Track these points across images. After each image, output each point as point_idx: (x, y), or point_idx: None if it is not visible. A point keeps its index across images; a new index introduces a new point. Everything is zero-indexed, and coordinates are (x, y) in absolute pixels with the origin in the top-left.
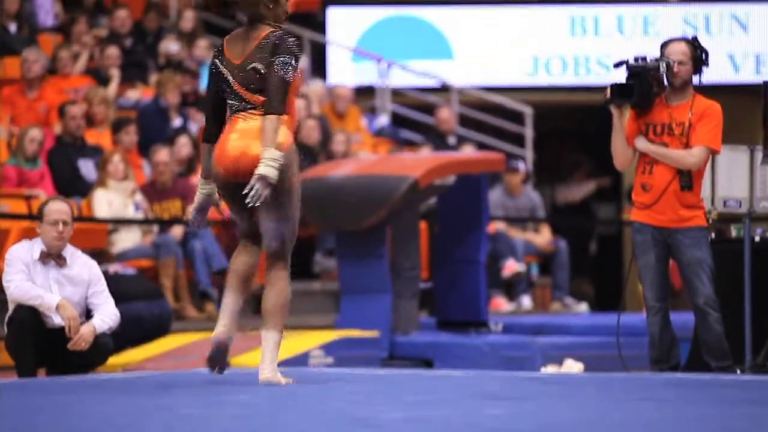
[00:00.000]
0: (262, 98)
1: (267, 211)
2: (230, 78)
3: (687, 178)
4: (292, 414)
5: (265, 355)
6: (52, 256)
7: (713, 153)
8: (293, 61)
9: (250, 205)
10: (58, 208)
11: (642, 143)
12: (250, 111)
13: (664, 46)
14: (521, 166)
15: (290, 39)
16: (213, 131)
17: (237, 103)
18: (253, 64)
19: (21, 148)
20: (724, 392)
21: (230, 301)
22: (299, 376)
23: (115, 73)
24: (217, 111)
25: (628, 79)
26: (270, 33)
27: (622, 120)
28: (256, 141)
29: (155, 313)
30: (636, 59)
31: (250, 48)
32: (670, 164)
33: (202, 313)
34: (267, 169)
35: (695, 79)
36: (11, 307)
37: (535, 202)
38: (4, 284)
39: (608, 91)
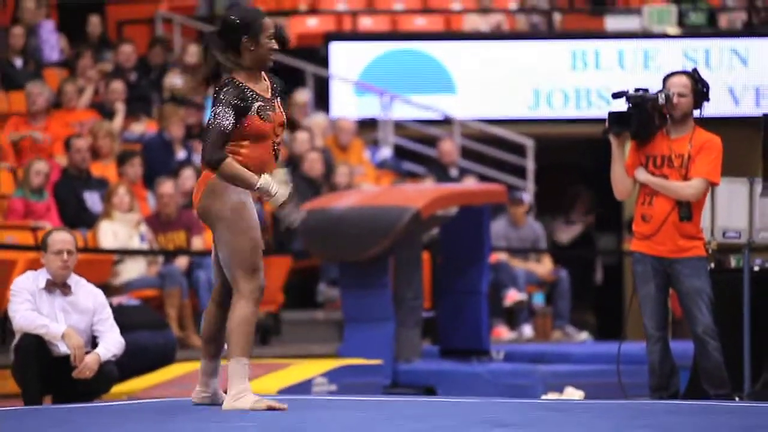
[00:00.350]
0: None
1: (218, 247)
2: None
3: (686, 210)
4: None
5: (229, 384)
6: (58, 285)
7: (712, 185)
8: (227, 110)
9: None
10: (62, 238)
11: (642, 175)
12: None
13: (666, 78)
14: (525, 197)
15: (229, 88)
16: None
17: None
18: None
19: (27, 180)
20: (722, 419)
21: (202, 363)
22: (302, 403)
23: (120, 107)
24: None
25: (628, 109)
26: (224, 79)
27: (622, 150)
28: (203, 176)
29: (160, 343)
30: (637, 90)
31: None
32: (669, 196)
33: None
34: (275, 195)
35: (696, 112)
36: (18, 335)
37: (537, 233)
38: (11, 314)
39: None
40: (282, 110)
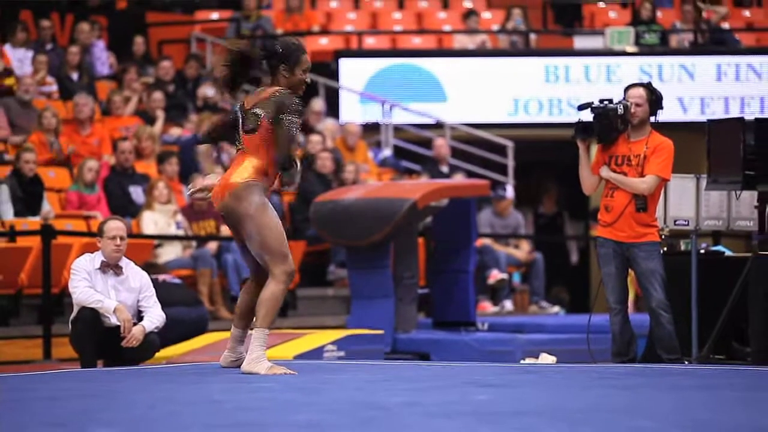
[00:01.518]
0: (251, 140)
1: (249, 242)
2: (240, 121)
3: (642, 202)
4: (310, 398)
5: (250, 348)
6: (111, 267)
7: (664, 181)
8: (297, 118)
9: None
10: (116, 226)
11: (605, 172)
12: (240, 151)
13: (626, 90)
14: (508, 194)
15: (293, 99)
16: (211, 134)
17: (238, 143)
18: (255, 110)
19: (81, 176)
20: (674, 380)
21: (233, 331)
22: (315, 367)
23: (160, 114)
24: (222, 128)
25: (594, 118)
26: (277, 91)
27: (588, 153)
28: (232, 173)
29: (194, 317)
30: (601, 101)
31: (259, 99)
32: (627, 190)
33: (234, 314)
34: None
35: (652, 119)
36: (75, 309)
37: (519, 222)
38: (71, 290)
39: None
40: None
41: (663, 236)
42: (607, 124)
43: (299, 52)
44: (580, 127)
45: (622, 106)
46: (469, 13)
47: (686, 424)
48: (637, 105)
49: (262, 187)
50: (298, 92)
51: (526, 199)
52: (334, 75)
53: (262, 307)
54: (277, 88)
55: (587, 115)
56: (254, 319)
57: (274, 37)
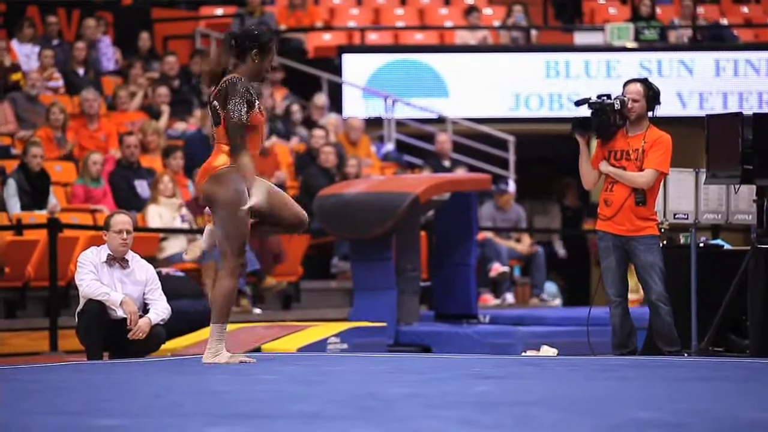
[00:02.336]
0: (219, 132)
1: (215, 225)
2: (209, 115)
3: (641, 196)
4: (312, 389)
5: (209, 343)
6: (117, 260)
7: (662, 175)
8: (242, 102)
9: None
10: (122, 220)
11: (604, 166)
12: (215, 143)
13: (624, 85)
14: (510, 188)
15: (239, 84)
16: None
17: (211, 138)
18: (213, 103)
19: (86, 169)
20: (673, 371)
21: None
22: (319, 359)
23: (165, 109)
24: None
25: (591, 114)
26: (227, 80)
27: (587, 148)
28: (212, 160)
29: (198, 309)
30: (599, 96)
31: (215, 91)
32: (626, 184)
33: (237, 307)
34: (256, 200)
35: (650, 114)
36: (82, 301)
37: (520, 215)
38: (77, 282)
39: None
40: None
41: (662, 230)
42: (605, 119)
43: (273, 43)
44: (578, 122)
45: (618, 102)
46: (471, 9)
47: (684, 414)
48: (634, 100)
49: (238, 174)
50: (259, 79)
51: (552, 193)
52: (337, 70)
53: (216, 304)
54: (230, 75)
55: (585, 111)
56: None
57: (277, 32)
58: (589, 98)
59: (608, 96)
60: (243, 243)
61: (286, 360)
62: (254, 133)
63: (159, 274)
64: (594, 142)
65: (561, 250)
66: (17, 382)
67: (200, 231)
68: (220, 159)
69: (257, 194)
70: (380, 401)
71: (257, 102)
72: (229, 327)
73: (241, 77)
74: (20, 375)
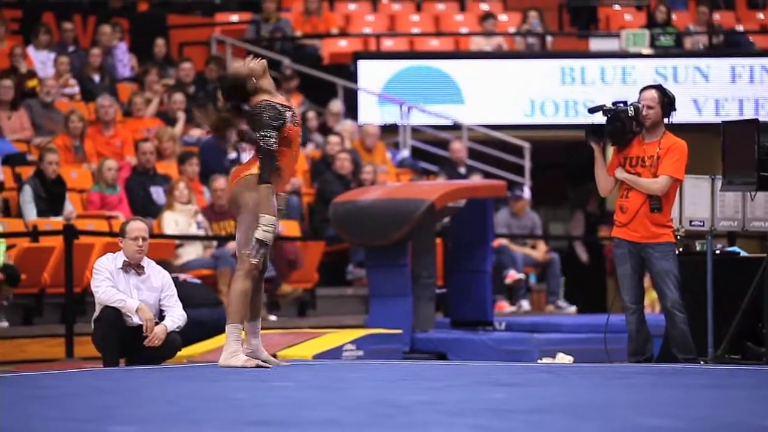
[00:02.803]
0: (254, 146)
1: (238, 230)
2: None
3: (656, 202)
4: (330, 397)
5: (225, 343)
6: (133, 266)
7: (677, 181)
8: (270, 129)
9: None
10: (138, 226)
11: (619, 173)
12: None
13: (640, 92)
14: (525, 195)
15: (264, 112)
16: None
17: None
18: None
19: (101, 175)
20: (688, 379)
21: (244, 326)
22: (334, 366)
23: (180, 115)
24: None
25: (606, 121)
26: (257, 104)
27: (602, 155)
28: (248, 167)
29: (215, 318)
30: (614, 103)
31: (250, 112)
32: (641, 190)
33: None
34: (261, 233)
35: (665, 120)
36: (98, 308)
37: (535, 222)
38: (93, 289)
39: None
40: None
41: (678, 237)
42: (620, 126)
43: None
44: (591, 129)
45: (632, 108)
46: (486, 16)
47: (697, 422)
48: (649, 107)
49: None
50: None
51: (567, 199)
52: (353, 77)
53: (231, 305)
54: (259, 100)
55: (599, 118)
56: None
57: (292, 39)
58: (603, 105)
59: (624, 102)
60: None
61: (301, 367)
62: (288, 147)
63: (175, 280)
64: (609, 149)
65: (584, 255)
66: (33, 388)
67: (216, 237)
68: (254, 168)
69: (264, 230)
70: (395, 408)
71: (289, 114)
72: (244, 334)
73: (267, 100)
74: (36, 382)
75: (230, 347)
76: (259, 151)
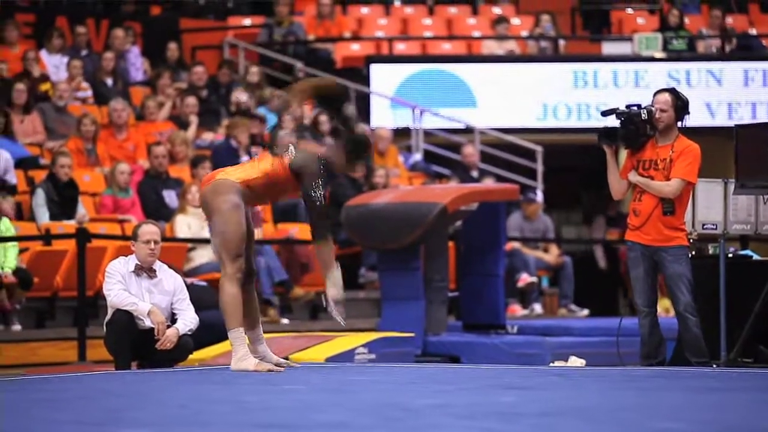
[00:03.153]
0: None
1: (212, 234)
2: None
3: (669, 205)
4: (341, 400)
5: (233, 349)
6: (145, 270)
7: (689, 184)
8: (320, 186)
9: None
10: (150, 230)
11: (632, 176)
12: (265, 151)
13: (654, 95)
14: (538, 197)
15: (315, 166)
16: None
17: (264, 144)
18: (288, 150)
19: (113, 179)
20: (701, 383)
21: (246, 335)
22: (347, 369)
23: (193, 119)
24: None
25: (620, 124)
26: (306, 149)
27: (615, 158)
28: (231, 170)
29: (222, 320)
30: (628, 107)
31: (300, 145)
32: (653, 193)
33: (265, 317)
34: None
35: (679, 124)
36: (110, 311)
37: (548, 226)
38: (105, 292)
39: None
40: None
41: (691, 240)
42: (633, 129)
43: (365, 146)
44: (604, 132)
45: (645, 112)
46: (499, 20)
47: (710, 425)
48: (662, 110)
49: (242, 192)
50: (339, 170)
51: (596, 205)
52: (365, 80)
53: (225, 313)
54: (308, 146)
55: (612, 121)
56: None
57: (305, 42)
58: (617, 108)
59: (639, 106)
60: (239, 249)
61: (311, 369)
62: (277, 185)
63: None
64: (622, 152)
65: (602, 261)
66: (45, 392)
67: None
68: (234, 173)
69: (331, 287)
70: (407, 411)
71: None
72: None
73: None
74: (48, 385)
75: (237, 352)
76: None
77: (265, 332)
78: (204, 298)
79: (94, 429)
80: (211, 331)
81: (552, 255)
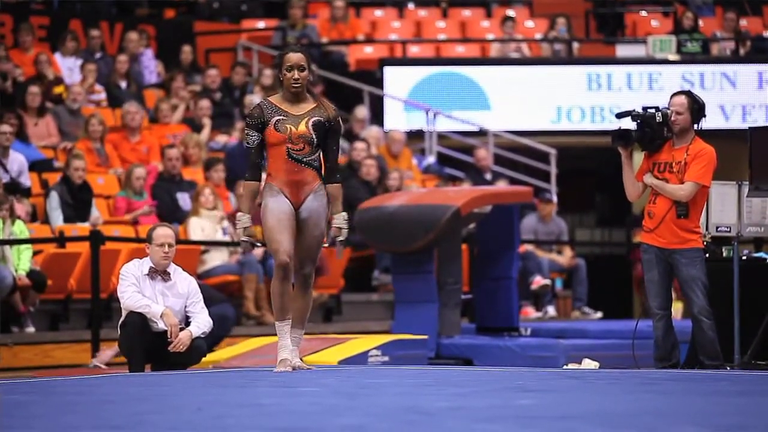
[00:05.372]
0: None
1: None
2: None
3: (683, 208)
4: (358, 403)
5: None
6: (159, 272)
7: (703, 187)
8: (249, 129)
9: None
10: (165, 233)
11: (648, 178)
12: None
13: (671, 98)
14: (554, 197)
15: (253, 110)
16: None
17: None
18: None
19: (129, 182)
20: (716, 385)
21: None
22: (360, 372)
23: (207, 122)
24: None
25: (637, 126)
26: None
27: (630, 160)
28: None
29: (219, 314)
30: (644, 109)
31: None
32: (667, 196)
33: None
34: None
35: (695, 126)
36: (123, 314)
37: (561, 228)
38: (119, 295)
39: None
40: (311, 129)
41: (705, 242)
42: (649, 132)
43: (282, 54)
44: (617, 134)
45: (660, 115)
46: (506, 19)
47: (725, 429)
48: (678, 113)
49: (270, 186)
50: (291, 90)
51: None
52: (379, 83)
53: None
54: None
55: (627, 123)
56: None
57: (318, 45)
58: (633, 110)
59: (656, 108)
60: (273, 244)
61: (327, 372)
62: (273, 150)
63: None
64: (638, 155)
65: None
66: (60, 395)
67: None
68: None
69: (338, 223)
70: (423, 414)
71: (276, 119)
72: (270, 340)
73: (262, 100)
74: (63, 387)
75: (278, 343)
76: None
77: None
78: (210, 296)
79: None
80: (225, 322)
81: (565, 257)
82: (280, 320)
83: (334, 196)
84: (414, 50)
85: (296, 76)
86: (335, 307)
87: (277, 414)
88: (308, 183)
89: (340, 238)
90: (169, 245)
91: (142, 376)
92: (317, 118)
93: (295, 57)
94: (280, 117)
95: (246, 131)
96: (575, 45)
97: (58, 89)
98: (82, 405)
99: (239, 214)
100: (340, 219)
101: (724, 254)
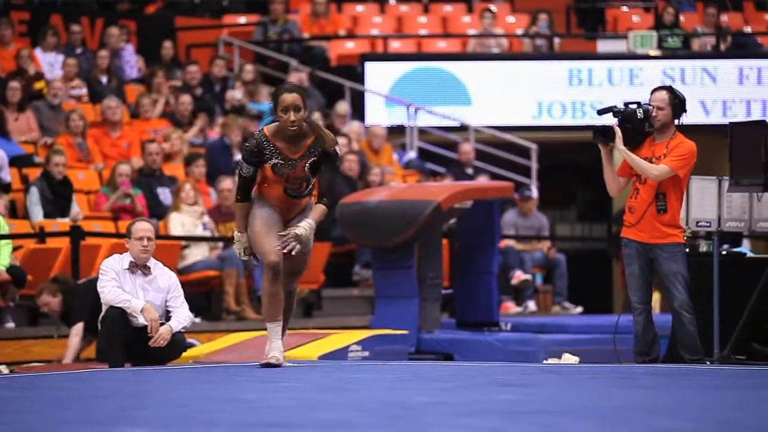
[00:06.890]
0: None
1: None
2: None
3: (662, 203)
4: (340, 398)
5: None
6: (139, 267)
7: (675, 177)
8: (244, 163)
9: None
10: (144, 227)
11: (619, 144)
12: None
13: (651, 93)
14: (534, 194)
15: (250, 142)
16: None
17: None
18: None
19: (112, 179)
20: (695, 380)
21: None
22: (340, 367)
23: (198, 121)
24: None
25: (618, 122)
26: (252, 135)
27: (610, 156)
28: None
29: None
30: (626, 104)
31: None
32: (636, 170)
33: (259, 315)
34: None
35: (676, 122)
36: (104, 308)
37: (543, 223)
38: (99, 289)
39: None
40: (308, 172)
41: (685, 237)
42: (631, 127)
43: (278, 94)
44: (599, 130)
45: (642, 111)
46: (486, 11)
47: (705, 423)
48: (659, 108)
49: (260, 197)
50: (287, 132)
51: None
52: (360, 78)
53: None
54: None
55: (608, 119)
56: None
57: (300, 40)
58: (614, 107)
59: (638, 104)
60: (261, 247)
61: (308, 368)
62: (272, 183)
63: None
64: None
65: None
66: (43, 390)
67: (222, 239)
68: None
69: (300, 225)
70: (405, 409)
71: (273, 163)
72: (250, 335)
73: (262, 132)
74: (45, 383)
75: (269, 344)
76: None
77: (258, 330)
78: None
79: (100, 428)
80: None
81: (544, 247)
82: (271, 321)
83: (317, 211)
84: (395, 45)
85: (292, 117)
86: (315, 302)
87: (262, 409)
88: (300, 205)
89: (291, 240)
90: (148, 239)
91: (126, 371)
92: (314, 159)
93: (290, 98)
94: (278, 161)
95: (241, 163)
96: (556, 40)
97: (39, 84)
98: (66, 400)
99: (236, 234)
100: (306, 223)
101: (704, 249)
